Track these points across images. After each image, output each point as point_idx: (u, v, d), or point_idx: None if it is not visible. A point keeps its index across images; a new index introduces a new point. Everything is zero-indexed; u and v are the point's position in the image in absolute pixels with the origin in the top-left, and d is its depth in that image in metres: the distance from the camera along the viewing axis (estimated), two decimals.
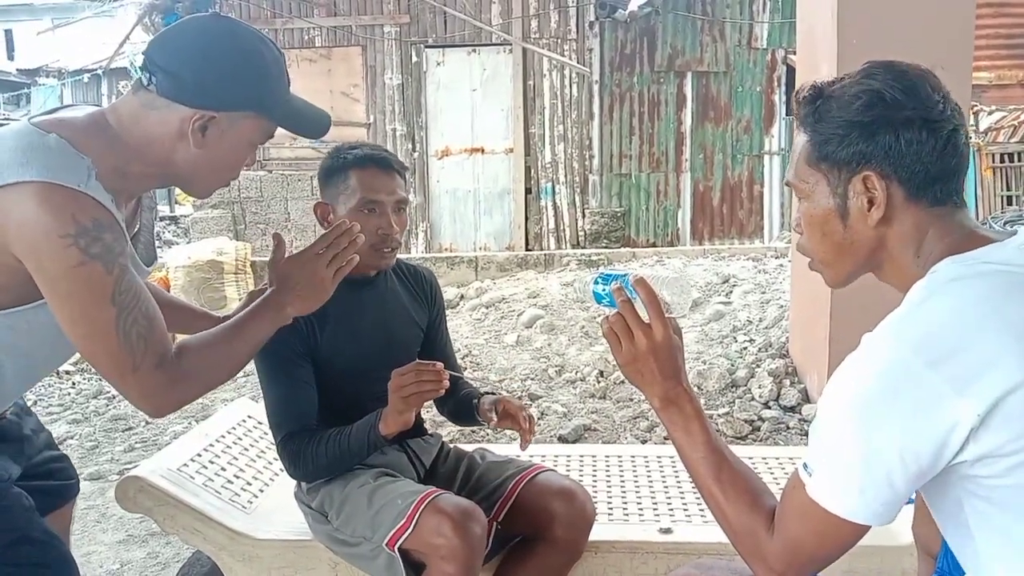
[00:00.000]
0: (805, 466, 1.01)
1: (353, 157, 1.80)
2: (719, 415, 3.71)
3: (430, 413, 2.12)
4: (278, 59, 1.37)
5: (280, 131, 1.41)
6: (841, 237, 1.09)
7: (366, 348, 1.83)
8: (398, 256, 1.97)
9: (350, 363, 1.81)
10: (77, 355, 5.73)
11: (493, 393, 1.95)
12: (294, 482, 1.92)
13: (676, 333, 1.24)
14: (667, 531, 1.98)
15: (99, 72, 14.04)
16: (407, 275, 2.00)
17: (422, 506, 1.62)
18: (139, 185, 1.38)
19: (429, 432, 2.03)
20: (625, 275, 1.24)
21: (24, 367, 1.40)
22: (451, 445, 2.05)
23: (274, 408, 1.77)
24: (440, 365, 1.66)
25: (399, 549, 1.62)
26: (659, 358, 1.18)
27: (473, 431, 3.58)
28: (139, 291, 1.28)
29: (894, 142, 1.02)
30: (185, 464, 2.09)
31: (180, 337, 1.45)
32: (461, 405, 1.96)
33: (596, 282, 1.28)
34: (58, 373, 5.35)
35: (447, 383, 1.66)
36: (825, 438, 0.98)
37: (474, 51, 9.25)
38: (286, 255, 1.51)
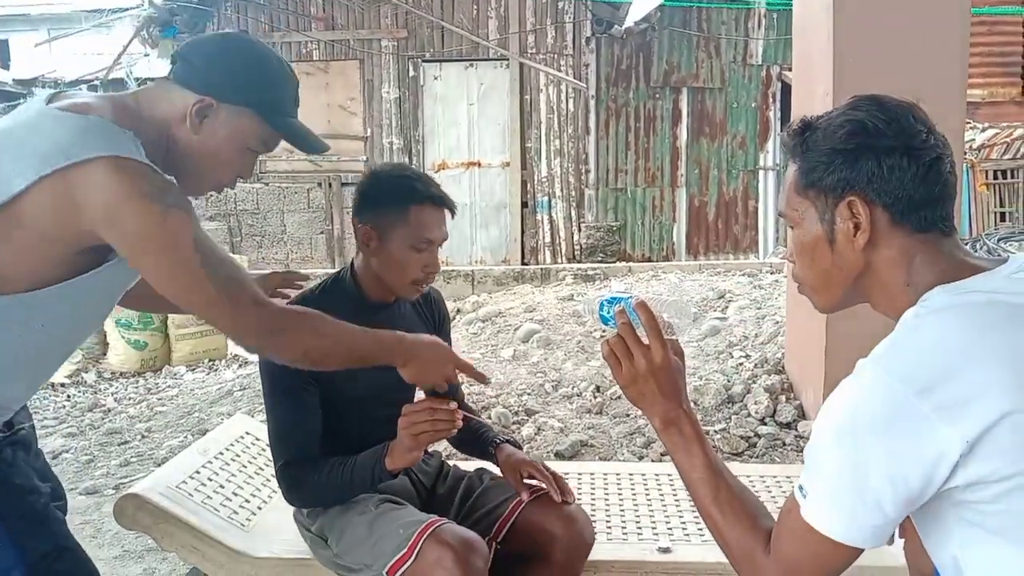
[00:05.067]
0: (800, 488, 1.04)
1: (417, 193, 1.73)
2: (715, 431, 3.71)
3: None
4: (289, 76, 1.47)
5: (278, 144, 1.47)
6: (829, 262, 1.12)
7: (376, 374, 1.77)
8: None
9: (359, 388, 1.77)
10: (72, 367, 5.70)
11: (510, 441, 1.94)
12: None
13: (677, 355, 1.27)
14: (666, 550, 1.98)
15: (96, 83, 14.04)
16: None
17: (424, 536, 1.59)
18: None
19: (429, 452, 2.03)
20: (628, 298, 1.28)
21: (67, 331, 1.43)
22: (451, 464, 2.05)
23: (277, 433, 1.75)
24: (454, 404, 1.64)
25: None
26: (659, 379, 1.21)
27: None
28: (210, 239, 1.35)
29: (876, 168, 1.06)
30: (184, 481, 2.09)
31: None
32: (476, 446, 1.97)
33: (602, 306, 1.33)
34: (53, 386, 5.34)
35: (460, 423, 1.65)
36: (818, 462, 1.01)
37: (471, 65, 9.30)
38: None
